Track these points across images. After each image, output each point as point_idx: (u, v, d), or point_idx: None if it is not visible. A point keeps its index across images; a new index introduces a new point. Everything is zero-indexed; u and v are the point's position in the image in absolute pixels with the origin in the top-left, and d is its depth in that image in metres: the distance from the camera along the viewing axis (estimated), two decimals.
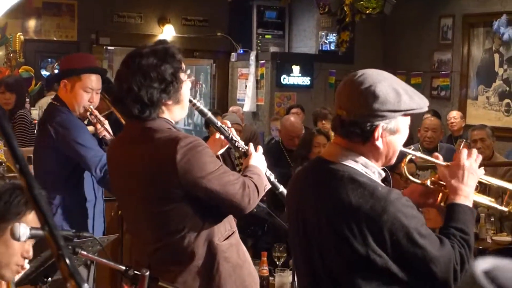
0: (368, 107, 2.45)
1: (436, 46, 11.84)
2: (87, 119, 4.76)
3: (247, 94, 11.79)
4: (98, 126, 4.72)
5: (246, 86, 11.92)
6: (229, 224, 3.32)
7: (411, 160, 2.89)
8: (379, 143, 2.49)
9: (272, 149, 8.34)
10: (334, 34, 12.17)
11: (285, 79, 11.77)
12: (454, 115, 9.85)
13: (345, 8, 9.99)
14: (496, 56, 10.89)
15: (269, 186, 3.48)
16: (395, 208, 2.41)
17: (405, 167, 2.82)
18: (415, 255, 2.43)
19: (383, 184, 2.54)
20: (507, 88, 10.68)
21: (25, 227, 2.28)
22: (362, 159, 2.53)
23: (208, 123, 8.53)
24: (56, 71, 11.42)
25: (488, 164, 7.18)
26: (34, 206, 1.45)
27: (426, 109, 2.59)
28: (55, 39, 11.30)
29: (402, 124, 2.53)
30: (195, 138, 3.17)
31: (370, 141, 2.49)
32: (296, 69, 11.83)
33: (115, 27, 11.66)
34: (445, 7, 11.65)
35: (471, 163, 2.68)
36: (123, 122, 5.05)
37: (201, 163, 3.07)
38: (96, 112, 4.71)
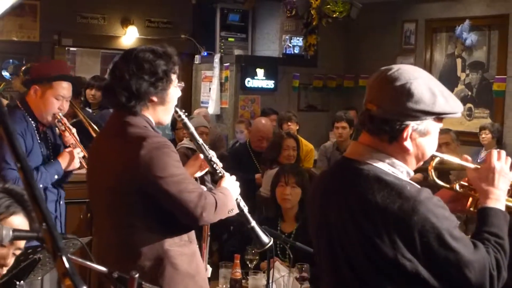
0: (400, 104, 2.33)
1: (399, 51, 11.92)
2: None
3: (211, 97, 11.75)
4: (66, 134, 4.70)
5: (210, 88, 11.88)
6: (186, 235, 3.34)
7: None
8: (407, 143, 2.37)
9: (239, 151, 8.33)
10: (298, 38, 12.19)
11: (249, 82, 11.76)
12: None
13: (312, 11, 10.01)
14: (459, 61, 11.00)
15: (236, 210, 3.48)
16: (426, 208, 2.27)
17: (432, 170, 2.69)
18: (447, 259, 2.28)
19: (412, 183, 2.40)
20: (469, 93, 10.79)
21: (8, 229, 2.22)
22: (388, 158, 2.41)
23: (175, 125, 8.54)
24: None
25: (454, 168, 7.23)
26: (34, 205, 1.42)
27: (459, 114, 2.46)
28: (16, 39, 11.13)
29: (433, 128, 2.41)
30: (164, 140, 3.23)
31: (398, 140, 2.37)
32: (260, 72, 11.82)
33: (78, 28, 11.52)
34: (408, 12, 11.74)
35: (501, 165, 2.57)
36: (90, 130, 5.05)
37: (163, 163, 3.12)
38: (65, 120, 4.70)
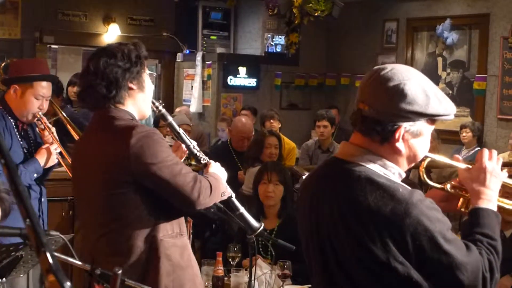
0: (393, 105, 2.28)
1: (380, 50, 11.97)
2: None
3: (193, 95, 11.75)
4: (46, 133, 4.69)
5: (192, 86, 11.88)
6: (178, 226, 3.35)
7: None
8: (399, 145, 2.33)
9: (220, 150, 8.32)
10: (280, 36, 12.21)
11: (232, 80, 11.76)
12: None
13: (294, 10, 10.02)
14: (440, 59, 11.06)
15: (228, 193, 3.51)
16: (418, 211, 2.23)
17: (423, 170, 2.67)
18: (440, 261, 2.25)
19: (404, 185, 2.35)
20: (450, 92, 10.84)
21: None
22: (380, 159, 2.36)
23: (158, 122, 8.52)
24: None
25: (435, 166, 7.28)
26: (18, 202, 1.42)
27: (453, 116, 2.40)
28: None
29: (426, 129, 2.37)
30: (152, 129, 3.28)
31: (390, 141, 2.33)
32: (242, 70, 11.83)
33: (59, 26, 11.47)
34: (389, 11, 11.78)
35: (493, 165, 2.52)
36: (70, 128, 5.05)
37: (153, 150, 3.13)
38: (45, 119, 4.70)
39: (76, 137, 5.08)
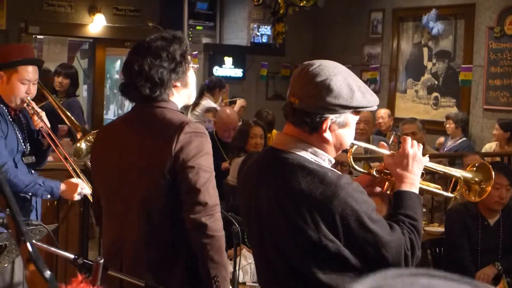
0: (320, 99, 2.49)
1: (366, 40, 11.99)
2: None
3: None
4: (35, 117, 4.67)
5: None
6: None
7: None
8: (327, 135, 2.54)
9: None
10: (266, 27, 12.21)
11: (218, 71, 11.76)
12: (382, 114, 9.76)
13: (279, 0, 10.03)
14: (425, 50, 11.08)
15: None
16: (345, 193, 2.44)
17: (351, 157, 2.86)
18: (366, 239, 2.47)
19: (334, 170, 2.58)
20: (436, 82, 10.88)
21: None
22: (311, 147, 2.58)
23: None
24: None
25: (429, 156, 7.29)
26: None
27: (375, 107, 2.65)
28: None
29: (351, 120, 2.59)
30: (203, 128, 3.22)
31: (318, 132, 2.54)
32: (228, 60, 11.82)
33: (44, 16, 11.44)
34: (375, 1, 11.80)
35: (415, 151, 2.71)
36: (60, 112, 5.02)
37: (198, 148, 3.08)
38: (33, 104, 4.67)
39: (67, 122, 5.06)
